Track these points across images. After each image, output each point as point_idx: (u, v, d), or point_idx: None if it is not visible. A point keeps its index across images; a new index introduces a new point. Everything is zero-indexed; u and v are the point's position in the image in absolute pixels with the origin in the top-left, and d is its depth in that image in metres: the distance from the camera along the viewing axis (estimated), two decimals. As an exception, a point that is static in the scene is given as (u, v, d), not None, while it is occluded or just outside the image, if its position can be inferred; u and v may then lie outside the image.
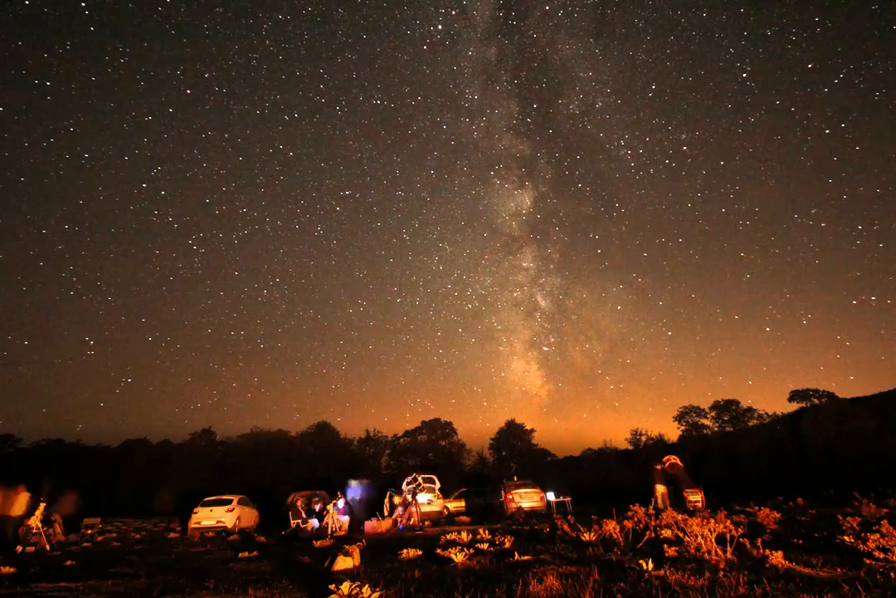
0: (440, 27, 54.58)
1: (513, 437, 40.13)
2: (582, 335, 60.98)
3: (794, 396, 34.71)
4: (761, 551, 4.35)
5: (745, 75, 49.82)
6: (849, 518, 5.85)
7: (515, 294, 62.09)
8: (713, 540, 4.69)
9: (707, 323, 54.92)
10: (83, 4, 43.03)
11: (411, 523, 11.98)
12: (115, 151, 47.80)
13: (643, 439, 37.62)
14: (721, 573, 3.83)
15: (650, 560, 4.12)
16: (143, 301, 51.18)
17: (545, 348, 59.05)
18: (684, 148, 52.47)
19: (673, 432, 41.31)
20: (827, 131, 46.14)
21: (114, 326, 50.09)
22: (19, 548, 9.06)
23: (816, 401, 33.96)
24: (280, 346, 58.81)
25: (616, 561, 4.66)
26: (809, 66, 46.37)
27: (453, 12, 53.50)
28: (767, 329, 50.41)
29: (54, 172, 45.91)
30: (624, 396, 57.75)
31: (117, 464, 30.77)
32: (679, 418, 37.25)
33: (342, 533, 11.65)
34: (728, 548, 4.54)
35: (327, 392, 57.10)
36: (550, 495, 16.05)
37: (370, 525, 11.82)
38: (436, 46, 56.71)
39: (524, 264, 60.86)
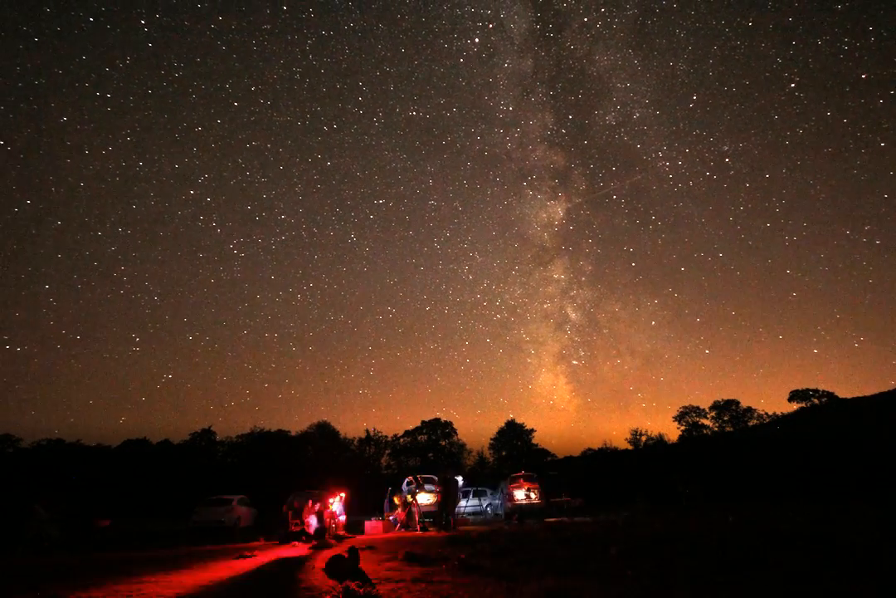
0: (477, 40, 55.99)
1: (513, 437, 40.08)
2: (613, 350, 60.74)
3: (794, 396, 34.72)
4: (760, 549, 4.36)
5: (793, 86, 48.93)
6: (848, 517, 5.87)
7: (545, 306, 62.13)
8: (713, 538, 4.70)
9: (749, 342, 54.14)
10: (142, 22, 46.30)
11: (411, 523, 11.98)
12: (166, 159, 50.44)
13: (643, 439, 37.53)
14: (720, 570, 3.84)
15: (649, 557, 4.12)
16: (186, 301, 53.98)
17: (574, 362, 58.95)
18: (726, 160, 51.66)
19: (673, 433, 41.17)
20: (882, 144, 45.25)
21: (158, 324, 52.62)
22: None
23: (816, 401, 33.98)
24: (311, 349, 60.04)
25: (613, 558, 4.67)
26: (864, 76, 45.59)
27: (490, 26, 54.78)
28: (815, 351, 49.67)
29: (111, 179, 49.03)
30: (657, 414, 57.66)
31: (117, 464, 30.81)
32: (679, 418, 37.19)
33: (342, 533, 11.65)
34: (727, 546, 4.55)
35: (355, 397, 57.98)
36: (550, 495, 16.05)
37: (370, 525, 11.83)
38: (472, 59, 58.47)
39: (555, 276, 60.83)
